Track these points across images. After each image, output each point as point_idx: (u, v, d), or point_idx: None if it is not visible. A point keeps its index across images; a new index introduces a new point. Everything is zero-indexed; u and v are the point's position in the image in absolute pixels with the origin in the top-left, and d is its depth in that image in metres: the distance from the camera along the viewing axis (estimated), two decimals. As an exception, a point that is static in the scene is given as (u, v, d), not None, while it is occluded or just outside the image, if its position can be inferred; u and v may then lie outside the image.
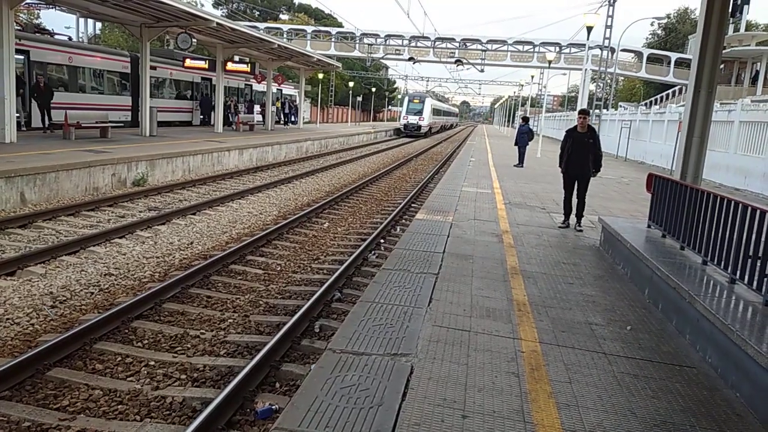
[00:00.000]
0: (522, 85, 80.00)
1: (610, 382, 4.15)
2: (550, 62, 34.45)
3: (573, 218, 9.90)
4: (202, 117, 30.91)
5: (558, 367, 4.32)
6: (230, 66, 26.80)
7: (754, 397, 3.95)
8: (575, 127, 9.70)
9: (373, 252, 9.65)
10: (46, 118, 19.00)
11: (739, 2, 8.62)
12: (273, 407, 4.55)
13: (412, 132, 53.05)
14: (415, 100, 55.25)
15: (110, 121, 20.00)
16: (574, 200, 9.81)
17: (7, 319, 6.06)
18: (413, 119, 53.23)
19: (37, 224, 9.87)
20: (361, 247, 9.40)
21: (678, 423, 3.66)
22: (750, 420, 3.80)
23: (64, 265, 7.94)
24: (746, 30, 46.78)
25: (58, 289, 7.00)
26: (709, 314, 4.64)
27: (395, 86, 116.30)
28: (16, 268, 7.51)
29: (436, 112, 62.50)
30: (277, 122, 36.21)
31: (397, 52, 62.11)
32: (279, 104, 39.87)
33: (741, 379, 4.14)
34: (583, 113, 9.73)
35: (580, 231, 9.65)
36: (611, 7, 34.09)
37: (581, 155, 9.51)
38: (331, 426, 3.30)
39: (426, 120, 53.99)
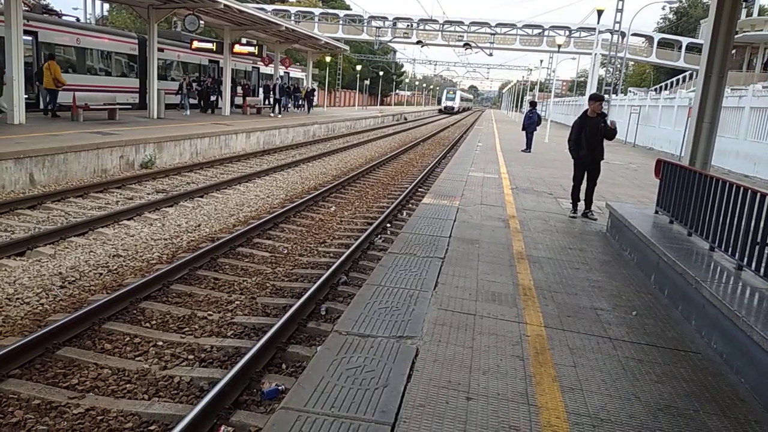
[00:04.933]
0: (531, 70, 79.60)
1: (614, 367, 4.16)
2: (559, 46, 34.21)
3: (580, 205, 9.82)
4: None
5: (563, 351, 4.34)
6: (237, 48, 26.66)
7: (758, 382, 3.96)
8: (586, 112, 9.49)
9: (379, 236, 9.67)
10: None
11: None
12: (279, 388, 4.60)
13: (448, 111, 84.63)
14: (450, 92, 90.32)
15: (118, 103, 20.01)
16: (583, 187, 9.72)
17: (18, 298, 6.13)
18: (449, 103, 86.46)
19: (46, 205, 9.94)
20: (368, 231, 9.41)
21: (682, 407, 3.68)
22: (754, 405, 3.81)
23: (73, 246, 8.00)
24: (759, 15, 46.16)
25: (67, 270, 7.06)
26: (715, 300, 4.64)
27: (403, 70, 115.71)
28: (26, 248, 7.58)
29: (461, 98, 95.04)
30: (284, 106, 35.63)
31: (406, 35, 61.83)
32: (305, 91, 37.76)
33: (746, 365, 4.14)
34: (596, 99, 9.51)
35: (594, 220, 9.51)
36: (622, -9, 33.69)
37: (594, 141, 9.35)
38: (336, 406, 3.33)
39: (456, 104, 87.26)
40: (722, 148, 19.02)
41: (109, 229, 8.93)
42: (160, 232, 9.16)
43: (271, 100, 32.31)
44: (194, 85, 26.98)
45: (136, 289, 6.27)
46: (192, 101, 26.73)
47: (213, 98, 27.58)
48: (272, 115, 29.68)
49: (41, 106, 18.95)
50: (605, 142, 9.57)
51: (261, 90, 35.43)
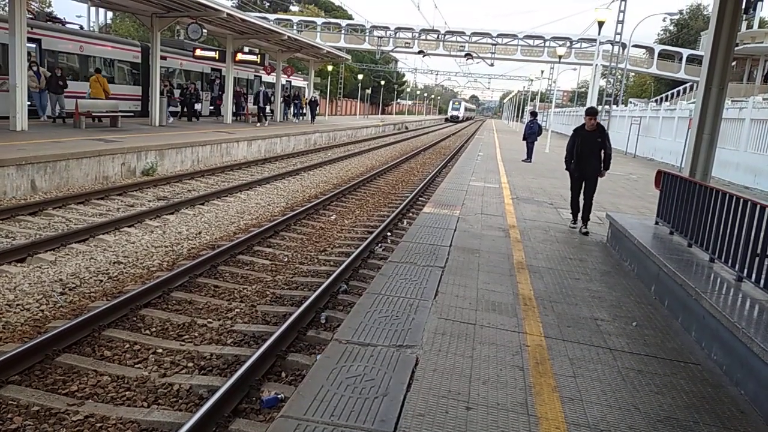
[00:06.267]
0: (532, 80, 79.89)
1: (614, 377, 4.16)
2: (560, 57, 34.32)
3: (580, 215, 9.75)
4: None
5: (563, 362, 4.34)
6: (240, 57, 26.77)
7: (758, 394, 3.95)
8: (583, 125, 9.28)
9: (379, 245, 9.67)
10: (57, 107, 19.14)
11: (752, -1, 8.54)
12: (279, 396, 4.59)
13: (454, 120, 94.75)
14: (455, 103, 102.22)
15: (120, 111, 20.08)
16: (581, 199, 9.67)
17: (18, 305, 6.13)
18: (454, 113, 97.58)
19: (47, 212, 9.95)
20: (368, 240, 9.42)
21: (681, 419, 3.68)
22: (754, 417, 3.81)
23: (73, 253, 8.01)
24: (759, 27, 46.30)
25: (67, 277, 7.07)
26: (715, 311, 4.64)
27: (404, 79, 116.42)
28: (27, 254, 7.58)
29: (465, 109, 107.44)
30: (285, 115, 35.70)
31: (407, 45, 62.08)
32: (306, 101, 37.91)
33: (746, 377, 4.14)
34: (591, 114, 9.18)
35: (586, 233, 9.25)
36: (623, 2, 33.87)
37: (589, 155, 9.17)
38: (336, 415, 3.33)
39: (461, 113, 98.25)
40: (722, 159, 19.07)
41: (110, 236, 8.93)
42: (161, 239, 9.17)
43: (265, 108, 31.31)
44: (175, 92, 25.76)
45: (137, 296, 6.27)
46: (174, 109, 25.37)
47: (198, 106, 27.05)
48: (258, 125, 27.86)
49: (49, 113, 19.08)
50: None
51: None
